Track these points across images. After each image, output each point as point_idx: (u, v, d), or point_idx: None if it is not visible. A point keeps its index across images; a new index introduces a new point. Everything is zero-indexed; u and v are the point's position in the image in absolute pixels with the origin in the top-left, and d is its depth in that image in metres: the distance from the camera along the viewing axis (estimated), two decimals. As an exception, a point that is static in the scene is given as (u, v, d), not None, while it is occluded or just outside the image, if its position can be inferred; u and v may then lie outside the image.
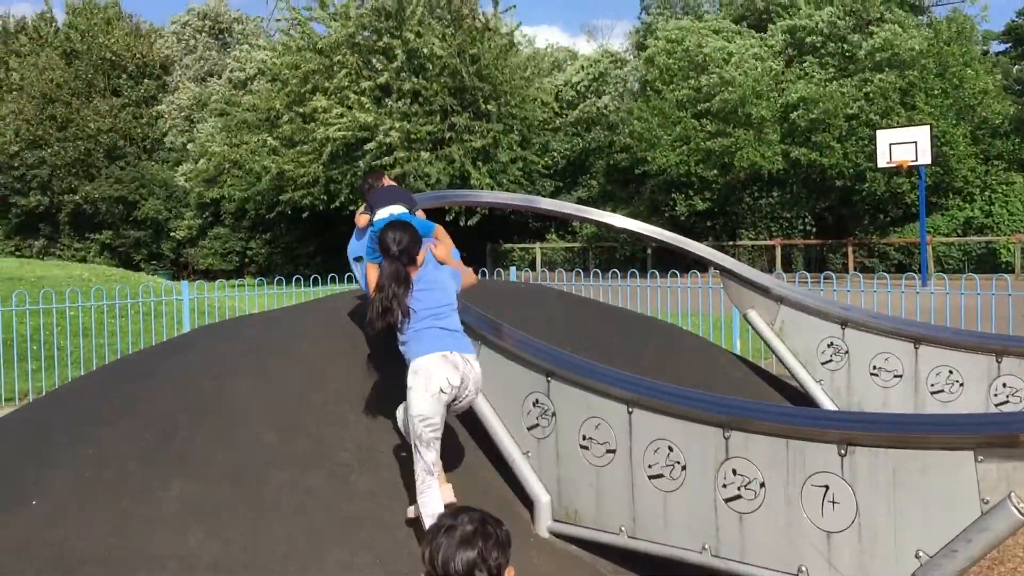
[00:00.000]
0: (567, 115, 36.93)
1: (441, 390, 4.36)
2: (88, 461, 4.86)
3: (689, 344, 7.59)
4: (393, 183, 6.24)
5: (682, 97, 30.97)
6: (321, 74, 30.14)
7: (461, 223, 29.42)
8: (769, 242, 30.82)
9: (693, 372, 6.79)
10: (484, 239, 34.79)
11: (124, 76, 43.65)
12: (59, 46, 42.82)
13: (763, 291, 7.28)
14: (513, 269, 14.29)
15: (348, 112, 28.61)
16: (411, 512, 4.58)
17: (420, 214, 6.03)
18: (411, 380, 4.40)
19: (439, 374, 4.37)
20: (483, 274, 14.68)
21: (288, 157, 30.27)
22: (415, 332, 4.50)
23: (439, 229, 5.76)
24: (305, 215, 31.27)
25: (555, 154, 35.37)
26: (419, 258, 4.73)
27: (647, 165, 30.92)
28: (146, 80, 44.27)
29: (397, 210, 5.76)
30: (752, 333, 10.54)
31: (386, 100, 29.20)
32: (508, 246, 35.95)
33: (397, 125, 28.28)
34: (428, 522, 4.20)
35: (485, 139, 29.20)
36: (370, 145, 27.78)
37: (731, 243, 31.61)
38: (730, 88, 29.09)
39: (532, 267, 33.57)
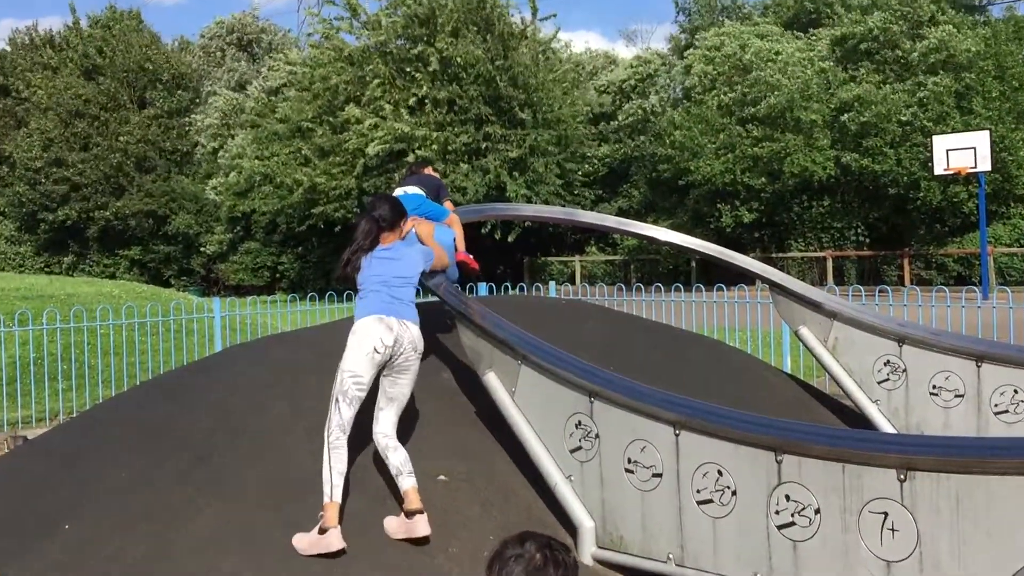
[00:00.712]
0: (609, 120, 36.90)
1: (375, 349, 4.73)
2: (122, 485, 4.93)
3: (737, 362, 7.54)
4: (434, 174, 6.74)
5: (726, 102, 30.86)
6: (353, 84, 30.42)
7: (497, 236, 29.49)
8: (820, 254, 30.53)
9: (742, 392, 6.74)
10: (522, 253, 34.85)
11: (154, 87, 44.35)
12: (79, 61, 43.60)
13: (814, 306, 7.22)
14: (552, 284, 14.28)
15: (383, 123, 28.82)
16: (390, 525, 4.62)
17: (449, 204, 6.44)
18: (349, 339, 4.80)
19: (373, 334, 4.75)
20: (521, 289, 14.70)
21: (320, 169, 30.55)
22: (362, 295, 4.94)
23: (452, 218, 6.11)
24: (338, 229, 31.50)
25: (595, 161, 35.36)
26: (403, 229, 5.16)
27: (691, 175, 30.82)
28: (179, 92, 44.94)
29: (411, 190, 6.19)
30: (803, 350, 10.44)
31: (422, 110, 29.42)
32: (546, 260, 35.96)
33: (433, 135, 28.46)
34: (334, 479, 4.50)
35: (521, 148, 29.28)
36: (409, 158, 27.98)
37: (780, 255, 31.36)
38: (777, 92, 28.94)
39: (571, 281, 33.54)
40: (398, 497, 4.76)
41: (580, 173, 32.64)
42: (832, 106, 29.44)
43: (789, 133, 28.93)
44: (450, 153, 28.80)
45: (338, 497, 4.51)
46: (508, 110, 29.67)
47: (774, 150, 28.78)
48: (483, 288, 13.60)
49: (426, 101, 29.34)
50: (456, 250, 6.33)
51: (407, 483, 4.61)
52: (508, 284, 15.75)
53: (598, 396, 4.75)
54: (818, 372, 11.40)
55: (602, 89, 37.68)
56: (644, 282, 31.90)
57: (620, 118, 36.65)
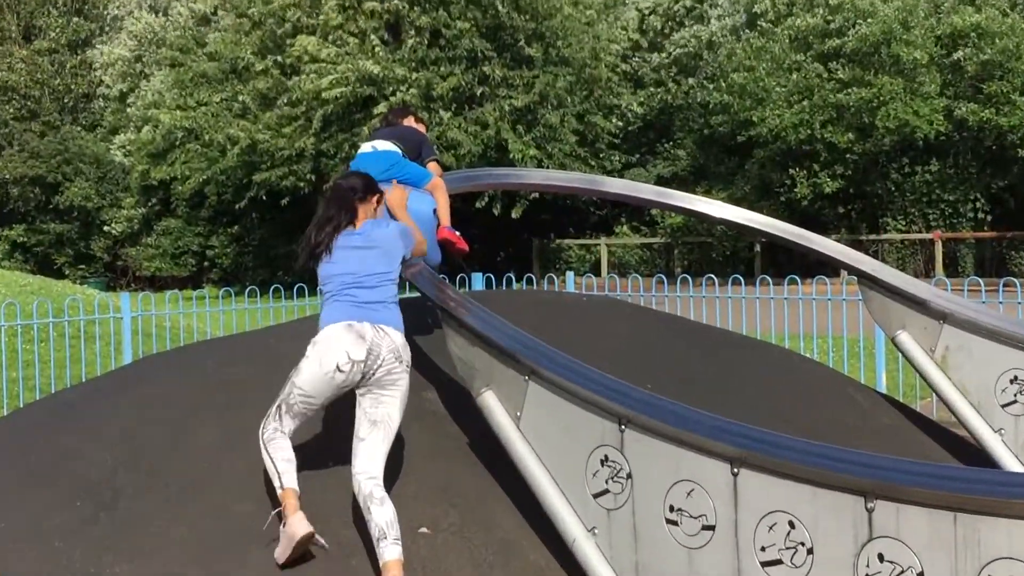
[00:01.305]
0: (648, 55, 36.85)
1: (338, 367, 4.92)
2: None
3: (815, 378, 7.56)
4: (416, 125, 6.94)
5: (803, 30, 30.82)
6: (305, 8, 30.47)
7: (497, 212, 29.50)
8: (926, 235, 30.55)
9: (820, 418, 6.76)
10: (530, 234, 34.91)
11: (46, 13, 44.24)
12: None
13: (919, 305, 7.23)
14: (570, 275, 14.29)
15: (346, 59, 28.82)
16: None
17: (434, 167, 6.65)
18: (309, 349, 5.02)
19: (337, 347, 4.94)
20: (529, 282, 14.73)
21: (263, 123, 30.61)
22: (328, 298, 5.16)
23: (435, 183, 6.33)
24: (286, 201, 31.61)
25: (628, 113, 35.38)
26: (375, 207, 5.46)
27: (753, 129, 30.83)
28: (77, 19, 44.87)
29: (382, 146, 6.43)
30: (903, 363, 10.43)
31: (397, 43, 29.43)
32: (563, 243, 35.99)
33: (412, 76, 28.46)
34: (280, 467, 4.86)
35: (528, 95, 29.27)
36: (380, 107, 27.96)
37: (873, 237, 31.34)
38: (870, 19, 28.92)
39: (596, 271, 33.60)
40: (373, 557, 4.78)
41: (607, 129, 32.66)
42: (943, 39, 29.42)
43: (885, 75, 28.93)
44: (435, 100, 28.83)
45: (291, 482, 4.81)
46: (511, 44, 29.70)
47: (865, 97, 28.80)
48: (479, 280, 13.61)
49: (402, 31, 29.36)
50: (438, 224, 6.42)
51: (391, 553, 4.67)
52: (512, 275, 15.70)
53: (631, 423, 4.76)
54: (923, 391, 11.40)
55: (647, 10, 37.60)
56: (692, 272, 31.86)
57: (665, 52, 36.58)
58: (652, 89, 36.47)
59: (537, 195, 30.30)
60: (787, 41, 31.07)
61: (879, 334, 11.20)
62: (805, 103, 29.95)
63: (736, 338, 8.18)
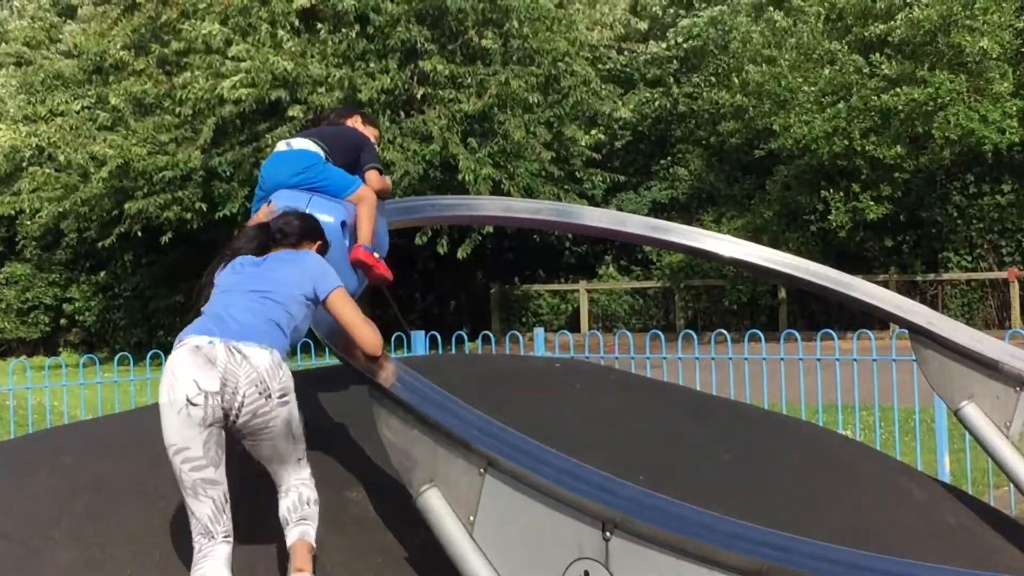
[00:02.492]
0: (643, 48, 37.04)
1: (188, 401, 5.02)
2: None
3: (858, 465, 7.57)
4: (362, 127, 7.33)
5: (837, 12, 31.00)
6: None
7: (443, 250, 29.42)
8: (999, 274, 30.77)
9: (866, 517, 6.77)
10: (488, 277, 34.91)
11: None
12: None
13: (989, 368, 7.27)
14: (540, 332, 14.23)
15: (256, 53, 28.74)
16: None
17: (373, 177, 6.91)
18: (160, 385, 5.21)
19: (183, 376, 5.07)
20: (486, 341, 14.72)
21: (140, 135, 30.40)
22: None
23: (361, 193, 6.61)
24: (168, 239, 31.40)
25: (613, 123, 35.52)
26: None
27: (775, 140, 30.98)
28: None
29: (298, 144, 6.73)
30: (971, 442, 10.45)
31: (312, 32, 29.44)
32: (531, 289, 36.00)
33: (334, 76, 28.44)
34: None
35: (483, 99, 29.32)
36: (293, 111, 27.85)
37: (930, 277, 31.56)
38: (922, 3, 29.06)
39: (573, 326, 33.61)
40: None
41: (585, 142, 32.65)
42: (1018, 25, 29.62)
43: (943, 71, 29.06)
44: (362, 105, 28.82)
45: None
46: (459, 32, 29.77)
47: (918, 99, 28.92)
48: (420, 340, 13.59)
49: (318, 16, 29.36)
50: (354, 242, 6.52)
51: (293, 535, 5.19)
52: (464, 332, 15.74)
53: (619, 529, 4.75)
54: (997, 479, 11.41)
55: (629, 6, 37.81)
56: (698, 326, 31.97)
57: (667, 42, 36.70)
58: (647, 92, 36.43)
59: (493, 229, 30.19)
60: (819, 24, 31.14)
61: (939, 405, 11.22)
62: (841, 106, 30.02)
63: (756, 413, 8.19)
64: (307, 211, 6.18)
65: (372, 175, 6.92)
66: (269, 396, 5.11)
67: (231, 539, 5.11)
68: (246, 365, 5.08)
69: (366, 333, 5.61)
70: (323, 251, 5.90)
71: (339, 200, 6.60)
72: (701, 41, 35.80)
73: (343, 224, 6.48)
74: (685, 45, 36.17)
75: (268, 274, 5.50)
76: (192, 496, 5.05)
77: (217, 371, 5.03)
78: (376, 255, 6.56)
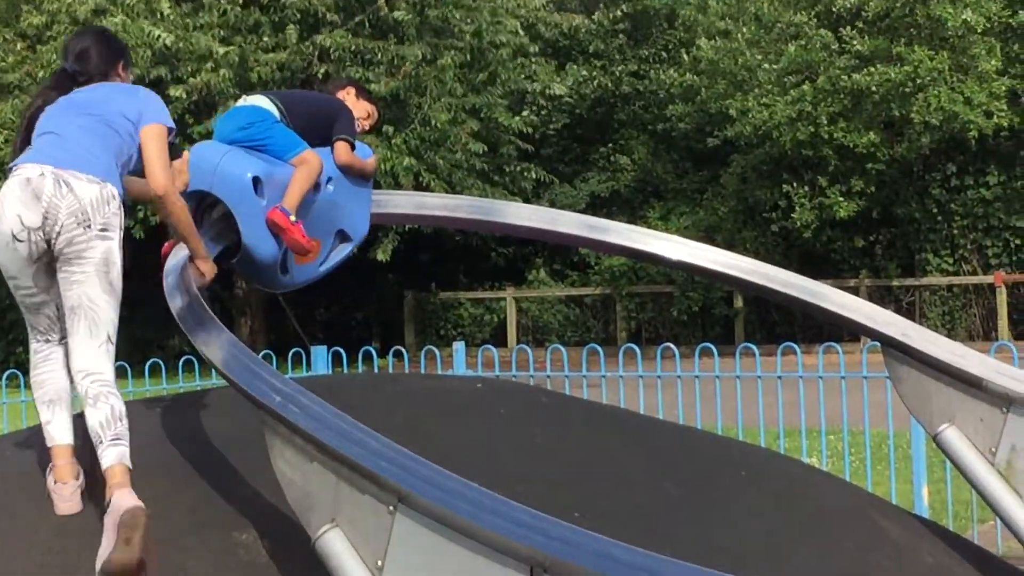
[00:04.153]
0: (576, 21, 37.02)
1: (14, 236, 5.57)
2: None
3: (824, 498, 7.61)
4: (355, 101, 7.75)
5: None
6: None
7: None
8: (983, 278, 31.07)
9: (834, 557, 6.81)
10: (403, 284, 34.80)
11: None
12: None
13: (972, 385, 7.31)
14: (460, 347, 14.21)
15: (128, 23, 28.54)
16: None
17: (341, 147, 7.20)
18: None
19: (10, 211, 5.58)
20: (399, 358, 14.69)
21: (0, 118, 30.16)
22: None
23: (304, 156, 6.86)
24: None
25: (545, 104, 35.48)
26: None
27: (731, 125, 31.09)
28: None
29: (255, 101, 7.06)
30: (952, 470, 10.52)
31: (194, 1, 29.29)
32: (450, 297, 35.95)
33: (222, 51, 28.29)
34: (43, 415, 5.73)
35: (396, 78, 29.29)
36: (176, 91, 27.67)
37: (908, 282, 31.85)
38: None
39: (499, 339, 33.58)
40: None
41: (515, 125, 32.60)
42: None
43: (921, 47, 29.23)
44: (256, 84, 28.70)
45: (60, 435, 5.67)
46: (367, 2, 29.71)
47: (894, 79, 29.08)
48: (322, 356, 13.55)
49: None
50: (279, 208, 6.64)
51: (108, 458, 5.47)
52: (372, 347, 15.65)
53: (549, 573, 4.75)
54: (982, 512, 11.51)
55: None
56: (642, 339, 32.07)
57: (613, 9, 36.63)
58: (584, 69, 36.36)
59: (408, 228, 30.08)
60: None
61: (917, 429, 11.30)
62: (806, 87, 30.19)
63: (708, 440, 8.22)
64: (220, 163, 6.53)
65: (340, 146, 7.13)
66: (89, 227, 5.57)
67: (65, 341, 5.76)
68: (70, 197, 5.56)
69: (156, 169, 5.89)
70: (121, 64, 6.36)
71: (265, 156, 6.76)
72: (650, 4, 35.82)
73: (256, 180, 6.59)
74: (631, 10, 36.17)
75: (96, 96, 6.01)
76: (30, 313, 5.83)
77: (41, 206, 5.53)
78: (292, 218, 6.63)
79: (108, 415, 5.51)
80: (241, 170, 6.55)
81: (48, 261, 5.64)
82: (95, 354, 5.64)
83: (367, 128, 7.75)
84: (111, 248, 5.65)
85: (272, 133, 6.80)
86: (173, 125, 6.08)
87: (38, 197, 5.54)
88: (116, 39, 6.74)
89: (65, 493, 5.53)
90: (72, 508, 5.50)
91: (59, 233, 5.55)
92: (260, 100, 7.07)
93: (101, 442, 5.47)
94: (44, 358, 5.89)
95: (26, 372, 11.18)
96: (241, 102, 7.16)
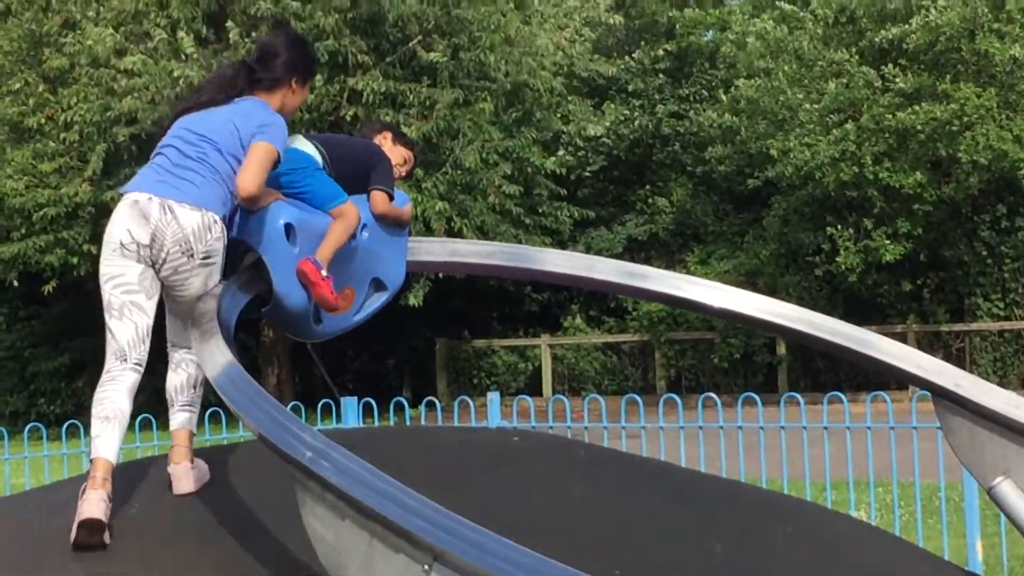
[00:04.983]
0: (620, 58, 37.01)
1: (122, 244, 6.07)
2: None
3: (873, 554, 7.56)
4: (390, 144, 7.73)
5: (845, 14, 31.04)
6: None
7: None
8: (1038, 325, 30.94)
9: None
10: (434, 330, 34.79)
11: None
12: None
13: (1027, 437, 7.29)
14: (495, 397, 14.17)
15: (153, 64, 28.61)
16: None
17: (378, 198, 7.22)
18: None
19: (120, 224, 6.10)
20: (431, 407, 14.66)
21: (17, 165, 30.20)
22: None
23: (344, 209, 6.88)
24: (51, 288, 31.15)
25: (580, 146, 35.46)
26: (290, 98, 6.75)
27: (772, 167, 31.03)
28: None
29: (299, 144, 7.07)
30: (1007, 525, 10.46)
31: (221, 39, 29.38)
32: (484, 344, 35.92)
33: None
34: (95, 428, 5.92)
35: (428, 120, 29.34)
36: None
37: (957, 327, 31.70)
38: (940, 4, 29.09)
39: (535, 388, 33.55)
40: None
41: (550, 166, 32.54)
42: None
43: (967, 84, 29.15)
44: (289, 125, 28.73)
45: (104, 450, 5.85)
46: (399, 42, 29.77)
47: (940, 117, 29.00)
48: (352, 408, 13.53)
49: (228, 20, 29.27)
50: (311, 260, 6.62)
51: (176, 420, 6.27)
52: (404, 397, 15.68)
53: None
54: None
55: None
56: (683, 388, 32.03)
57: (653, 50, 36.55)
58: (623, 108, 36.33)
59: (439, 277, 30.07)
60: (820, 29, 31.17)
61: (970, 481, 11.23)
62: (850, 126, 30.11)
63: (752, 493, 8.17)
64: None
65: (377, 196, 7.14)
66: (192, 256, 6.05)
67: (141, 369, 6.09)
68: (174, 225, 5.99)
69: (244, 172, 6.27)
70: (307, 73, 6.85)
71: (300, 204, 6.75)
72: (694, 41, 35.75)
73: (288, 227, 6.57)
74: (673, 49, 36.14)
75: (212, 116, 6.35)
76: (117, 318, 6.08)
77: (150, 226, 5.99)
78: (323, 272, 6.62)
79: (184, 380, 6.24)
80: (273, 217, 6.53)
81: (154, 272, 6.09)
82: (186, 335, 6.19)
83: (403, 174, 7.72)
84: (212, 274, 6.20)
85: (313, 181, 6.83)
86: (278, 142, 6.43)
87: (146, 218, 6.00)
88: (307, 48, 7.08)
89: (91, 498, 5.69)
90: (91, 512, 5.64)
91: (165, 260, 6.05)
92: (304, 145, 7.08)
93: (173, 404, 6.23)
94: (112, 378, 6.07)
95: (48, 424, 11.19)
96: (290, 143, 7.07)
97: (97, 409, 5.98)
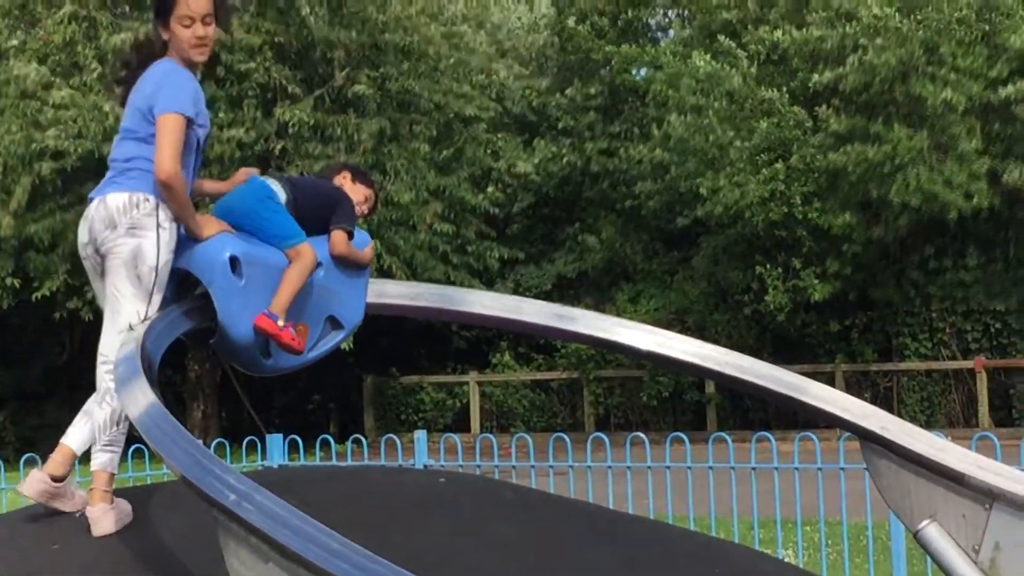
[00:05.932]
0: (550, 94, 37.06)
1: (83, 256, 6.50)
2: None
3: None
4: (350, 185, 7.71)
5: (778, 51, 31.12)
6: (4, 18, 30.19)
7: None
8: (961, 363, 31.08)
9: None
10: (362, 367, 34.69)
11: None
12: None
13: (954, 480, 7.31)
14: (422, 435, 14.14)
15: (78, 97, 28.46)
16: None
17: (338, 237, 7.17)
18: None
19: (79, 234, 6.51)
20: (357, 444, 14.61)
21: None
22: None
23: (301, 250, 6.86)
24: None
25: (509, 183, 35.47)
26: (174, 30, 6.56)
27: (702, 205, 31.07)
28: None
29: (268, 181, 7.15)
30: (934, 568, 10.49)
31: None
32: (411, 382, 35.83)
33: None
34: (86, 407, 6.41)
35: (355, 152, 29.27)
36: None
37: (885, 367, 31.82)
38: (879, 41, 29.14)
39: (462, 425, 33.49)
40: None
41: (479, 205, 32.53)
42: (990, 73, 29.64)
43: (899, 125, 29.22)
44: (215, 162, 28.65)
45: (69, 438, 6.35)
46: (328, 73, 29.75)
47: (871, 159, 29.05)
48: (278, 445, 13.48)
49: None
50: (266, 314, 6.64)
51: (96, 461, 6.25)
52: (330, 435, 15.59)
53: None
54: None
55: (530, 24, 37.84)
56: (611, 425, 32.13)
57: (583, 85, 36.61)
58: (552, 145, 36.26)
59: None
60: (753, 68, 31.15)
61: (895, 524, 11.27)
62: (780, 165, 30.17)
63: (679, 534, 8.19)
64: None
65: (337, 236, 7.10)
66: (115, 227, 6.25)
67: None
68: (102, 208, 6.31)
69: (158, 156, 6.29)
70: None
71: (247, 237, 6.77)
72: (628, 78, 35.73)
73: (234, 260, 6.58)
74: (605, 86, 36.18)
75: (131, 106, 6.53)
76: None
77: (87, 222, 6.35)
78: (280, 323, 6.65)
79: (107, 418, 6.17)
80: (218, 250, 6.55)
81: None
82: (113, 341, 6.21)
83: (366, 211, 7.74)
84: (142, 246, 6.25)
85: (272, 216, 6.86)
86: (190, 112, 6.43)
87: (86, 219, 6.39)
88: None
89: (35, 475, 6.23)
90: (27, 490, 6.23)
91: (96, 240, 6.31)
92: (271, 181, 7.14)
93: (95, 443, 6.22)
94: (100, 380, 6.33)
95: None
96: (262, 181, 7.22)
97: (86, 403, 6.40)
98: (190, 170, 6.59)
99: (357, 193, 7.57)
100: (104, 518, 6.15)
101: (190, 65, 6.56)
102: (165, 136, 6.30)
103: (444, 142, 31.55)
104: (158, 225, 6.32)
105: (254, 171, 7.26)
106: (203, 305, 6.68)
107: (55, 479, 6.29)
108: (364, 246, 7.37)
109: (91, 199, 6.48)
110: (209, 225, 6.60)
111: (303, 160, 29.04)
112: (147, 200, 6.31)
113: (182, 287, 6.72)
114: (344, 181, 7.62)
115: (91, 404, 6.39)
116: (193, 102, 6.46)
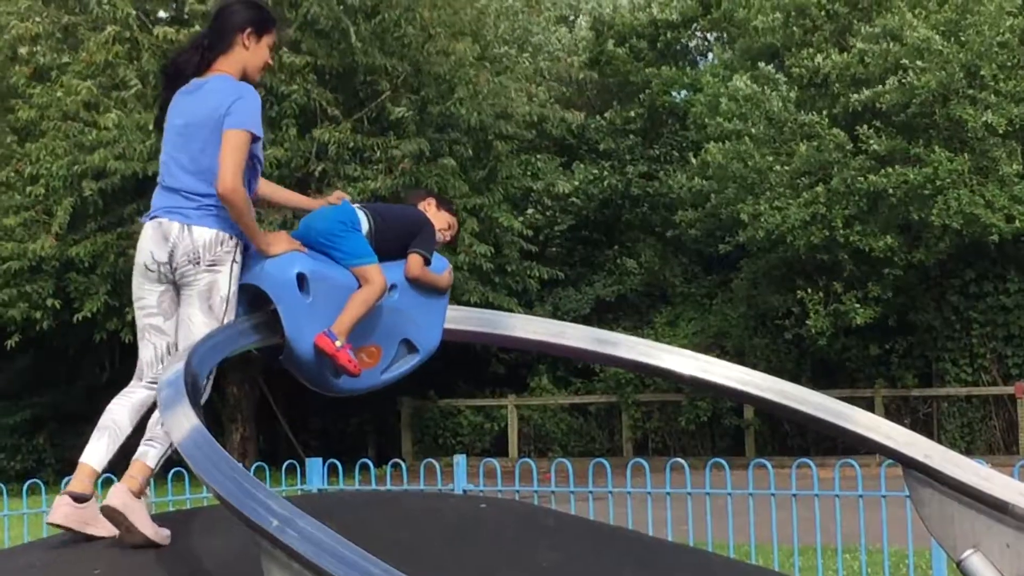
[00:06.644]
0: (592, 116, 37.03)
1: (145, 266, 6.75)
2: None
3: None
4: (435, 211, 7.94)
5: (818, 75, 31.03)
6: (52, 37, 30.29)
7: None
8: (1002, 389, 30.89)
9: None
10: (399, 391, 34.64)
11: None
12: None
13: (996, 508, 7.28)
14: (461, 459, 14.14)
15: (122, 116, 28.48)
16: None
17: (414, 260, 7.40)
18: None
19: (144, 247, 6.77)
20: (396, 468, 14.61)
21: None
22: None
23: (369, 271, 7.04)
24: (13, 343, 30.98)
25: (548, 204, 35.45)
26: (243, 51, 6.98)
27: (742, 232, 30.95)
28: None
29: (359, 213, 7.34)
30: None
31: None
32: (450, 405, 35.76)
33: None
34: (93, 436, 6.55)
35: (392, 176, 29.26)
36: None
37: (926, 392, 31.65)
38: (919, 66, 29.06)
39: (501, 449, 33.42)
40: None
41: (518, 226, 32.46)
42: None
43: (940, 148, 29.11)
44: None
45: (89, 456, 6.49)
46: (368, 97, 29.76)
47: (912, 181, 28.95)
48: (317, 468, 13.48)
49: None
50: (326, 334, 6.79)
51: (138, 452, 6.44)
52: (369, 459, 15.60)
53: None
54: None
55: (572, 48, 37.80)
56: (649, 450, 32.05)
57: (624, 109, 36.60)
58: (591, 168, 36.20)
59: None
60: (792, 91, 31.01)
61: (937, 553, 11.21)
62: (820, 188, 30.05)
63: (719, 563, 8.17)
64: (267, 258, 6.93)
65: (413, 259, 7.33)
66: (198, 263, 6.57)
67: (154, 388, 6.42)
68: (188, 240, 6.58)
69: (220, 170, 6.55)
70: (257, 32, 6.98)
71: (318, 256, 6.99)
72: (667, 100, 35.70)
73: (301, 277, 6.78)
74: (645, 109, 36.14)
75: (195, 130, 6.76)
76: (140, 338, 6.75)
77: (168, 245, 6.61)
78: (337, 343, 6.81)
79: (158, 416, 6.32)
80: (287, 266, 6.77)
81: (174, 291, 6.70)
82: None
83: (448, 238, 7.95)
84: (217, 280, 6.62)
85: (349, 237, 7.06)
86: (259, 132, 6.76)
87: (167, 238, 6.63)
88: (255, 2, 7.16)
89: (59, 500, 6.35)
90: (56, 518, 6.36)
91: (177, 267, 6.61)
92: (358, 212, 7.31)
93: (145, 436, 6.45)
94: (124, 393, 6.68)
95: (8, 481, 11.23)
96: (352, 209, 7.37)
97: (100, 419, 6.54)
98: (249, 184, 6.81)
99: (440, 220, 7.78)
100: (121, 494, 6.24)
101: (251, 84, 6.88)
102: (229, 152, 6.55)
103: (482, 161, 31.54)
104: (233, 260, 6.68)
105: (347, 196, 7.42)
106: (270, 320, 6.87)
107: (77, 499, 6.38)
108: (443, 271, 7.54)
109: (159, 216, 6.70)
110: (279, 242, 6.84)
111: (341, 181, 29.04)
112: (230, 239, 6.66)
113: (254, 303, 6.89)
114: (428, 207, 7.82)
115: (105, 420, 6.54)
116: (259, 121, 6.77)
